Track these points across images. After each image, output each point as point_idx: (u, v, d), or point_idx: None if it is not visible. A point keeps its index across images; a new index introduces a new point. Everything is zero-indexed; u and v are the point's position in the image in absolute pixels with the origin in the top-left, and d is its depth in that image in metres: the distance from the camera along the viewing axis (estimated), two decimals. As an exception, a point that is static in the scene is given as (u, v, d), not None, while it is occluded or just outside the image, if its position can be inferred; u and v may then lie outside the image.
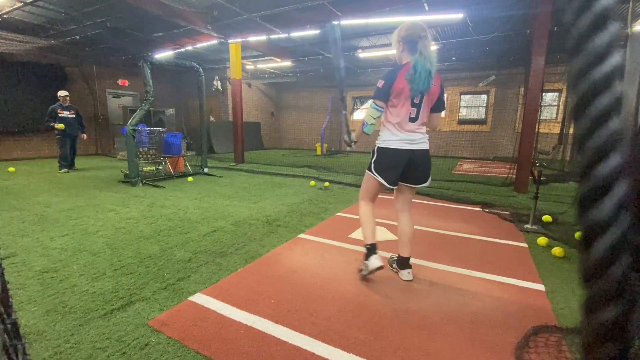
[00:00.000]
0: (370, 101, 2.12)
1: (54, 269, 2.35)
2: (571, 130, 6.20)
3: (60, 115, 6.80)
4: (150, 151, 6.41)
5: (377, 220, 3.63)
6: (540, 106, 5.52)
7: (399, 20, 6.29)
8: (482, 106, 12.07)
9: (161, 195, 4.80)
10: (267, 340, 1.61)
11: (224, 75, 12.62)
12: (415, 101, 2.03)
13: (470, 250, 2.83)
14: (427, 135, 2.16)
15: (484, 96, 11.96)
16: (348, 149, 2.37)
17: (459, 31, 7.64)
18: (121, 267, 2.40)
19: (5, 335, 0.35)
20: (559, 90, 10.23)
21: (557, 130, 8.50)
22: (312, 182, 5.81)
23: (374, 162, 2.16)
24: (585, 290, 0.29)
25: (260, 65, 11.98)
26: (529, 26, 6.33)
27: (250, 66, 12.05)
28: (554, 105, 10.79)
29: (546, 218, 3.57)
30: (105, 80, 11.20)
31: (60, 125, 6.74)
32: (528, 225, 3.37)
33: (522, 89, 6.75)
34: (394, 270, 2.39)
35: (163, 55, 9.26)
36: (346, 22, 6.47)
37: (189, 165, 7.08)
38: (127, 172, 5.74)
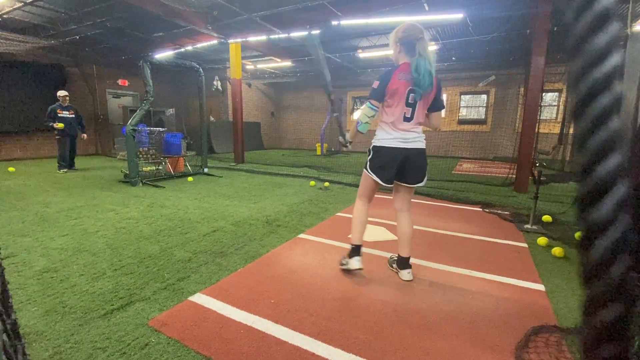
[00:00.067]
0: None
1: (53, 269, 2.35)
2: (571, 130, 6.20)
3: (59, 115, 6.80)
4: (150, 151, 6.41)
5: (377, 220, 3.64)
6: (540, 106, 5.52)
7: (399, 20, 6.29)
8: (482, 106, 12.07)
9: (161, 195, 4.80)
10: (267, 340, 1.61)
11: (224, 75, 12.62)
12: (410, 101, 2.05)
13: (470, 250, 2.83)
14: (422, 135, 2.16)
15: (484, 96, 11.96)
16: (344, 149, 2.43)
17: (459, 31, 7.64)
18: (121, 267, 2.40)
19: (5, 336, 0.35)
20: (559, 90, 10.23)
21: (557, 130, 8.50)
22: (312, 182, 5.81)
23: (369, 161, 2.20)
24: (585, 290, 0.29)
25: (260, 65, 11.98)
26: (529, 26, 6.33)
27: (250, 66, 12.05)
28: (554, 105, 10.79)
29: (546, 218, 3.57)
30: (105, 80, 11.20)
31: (60, 125, 6.74)
32: (528, 225, 3.37)
33: (522, 89, 6.76)
34: (394, 270, 2.39)
35: (163, 55, 9.25)
36: (346, 22, 6.47)
37: (189, 165, 7.08)
38: (127, 172, 5.74)
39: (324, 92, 2.49)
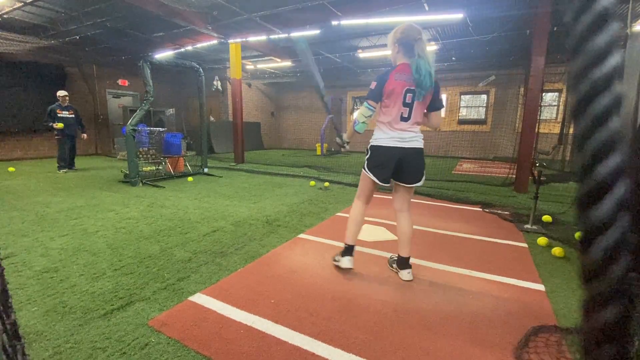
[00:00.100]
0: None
1: (53, 269, 2.35)
2: (571, 130, 6.20)
3: (59, 115, 6.79)
4: (150, 151, 6.41)
5: (377, 220, 3.64)
6: (540, 106, 5.52)
7: (399, 20, 6.28)
8: (482, 106, 12.07)
9: (161, 195, 4.80)
10: (267, 340, 1.61)
11: (224, 75, 12.63)
12: (407, 101, 2.07)
13: (470, 250, 2.83)
14: (420, 134, 2.17)
15: (484, 96, 11.96)
16: (343, 150, 2.48)
17: (459, 31, 7.64)
18: (121, 267, 2.40)
19: (5, 336, 0.35)
20: (559, 90, 10.23)
21: (557, 130, 8.50)
22: (312, 182, 5.81)
23: (367, 160, 2.23)
24: (585, 290, 0.29)
25: (260, 65, 11.98)
26: (529, 26, 6.33)
27: (250, 66, 12.05)
28: (554, 105, 10.79)
29: (546, 218, 3.57)
30: (105, 80, 11.20)
31: (60, 125, 6.73)
32: (528, 225, 3.37)
33: (522, 89, 6.76)
34: (394, 270, 2.39)
35: (163, 55, 9.25)
36: (346, 22, 6.47)
37: (189, 165, 7.08)
38: (127, 172, 5.74)
39: (325, 90, 2.49)
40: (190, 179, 6.29)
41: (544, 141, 8.22)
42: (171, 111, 11.36)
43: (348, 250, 2.35)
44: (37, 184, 5.52)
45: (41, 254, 2.62)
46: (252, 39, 7.87)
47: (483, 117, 12.01)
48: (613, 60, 0.27)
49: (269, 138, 15.69)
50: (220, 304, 1.92)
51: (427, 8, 6.04)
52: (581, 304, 0.30)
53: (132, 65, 10.73)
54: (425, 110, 2.17)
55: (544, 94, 6.61)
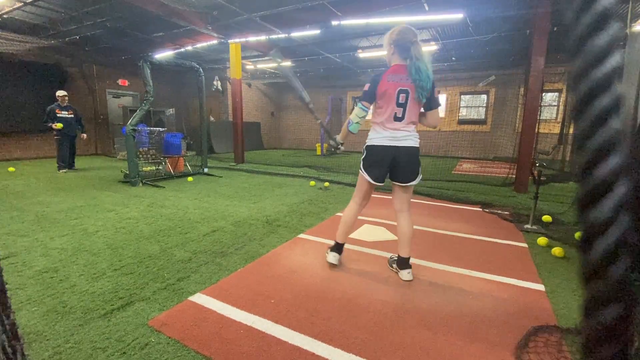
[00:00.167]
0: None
1: (53, 269, 2.35)
2: (571, 130, 6.20)
3: (58, 115, 6.78)
4: (150, 151, 6.41)
5: (377, 220, 3.64)
6: (540, 106, 5.52)
7: (399, 20, 6.29)
8: (482, 106, 12.08)
9: (161, 195, 4.80)
10: (267, 340, 1.61)
11: (224, 75, 12.63)
12: (400, 101, 2.09)
13: (470, 250, 2.83)
14: (414, 133, 2.18)
15: (484, 96, 11.96)
16: (338, 152, 2.58)
17: (459, 31, 7.64)
18: (121, 267, 2.40)
19: (4, 336, 0.35)
20: (559, 90, 10.23)
21: (557, 130, 8.50)
22: (312, 182, 5.81)
23: (362, 160, 2.27)
24: (585, 290, 0.29)
25: (260, 65, 11.99)
26: (529, 26, 6.33)
27: (250, 66, 12.05)
28: (554, 105, 10.79)
29: (546, 218, 3.57)
30: (105, 80, 11.20)
31: (59, 125, 6.72)
32: (528, 225, 3.37)
33: (522, 89, 6.75)
34: (394, 270, 2.39)
35: (163, 55, 9.25)
36: (346, 22, 6.47)
37: (189, 165, 7.08)
38: (127, 172, 5.74)
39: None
40: (190, 179, 6.29)
41: (544, 141, 8.22)
42: (171, 111, 11.36)
43: (336, 247, 2.45)
44: (37, 184, 5.52)
45: (41, 254, 2.62)
46: (252, 39, 7.87)
47: (483, 117, 12.01)
48: (613, 60, 0.27)
49: (269, 138, 15.69)
50: (220, 304, 1.92)
51: (427, 8, 6.04)
52: (581, 304, 0.30)
53: (132, 65, 10.74)
54: (423, 110, 2.18)
55: (544, 94, 6.61)
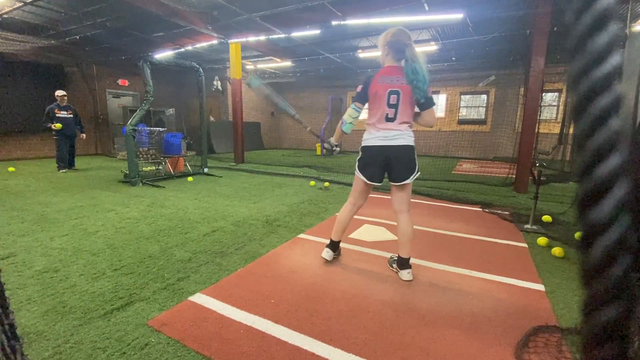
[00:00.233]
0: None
1: (53, 269, 2.35)
2: (571, 130, 6.19)
3: (57, 115, 6.77)
4: (150, 151, 6.41)
5: (377, 220, 3.64)
6: (540, 106, 5.52)
7: (399, 20, 6.29)
8: (482, 106, 12.07)
9: (161, 195, 4.80)
10: (267, 340, 1.61)
11: (224, 75, 12.62)
12: (391, 102, 2.13)
13: (470, 250, 2.83)
14: (407, 132, 2.19)
15: (484, 96, 11.96)
16: (335, 153, 2.68)
17: (459, 31, 7.64)
18: (121, 267, 2.40)
19: (3, 336, 0.35)
20: (559, 90, 10.24)
21: (557, 130, 8.50)
22: (312, 182, 5.81)
23: (357, 161, 2.33)
24: (585, 290, 0.29)
25: (260, 65, 11.99)
26: (529, 26, 6.33)
27: (250, 66, 12.05)
28: (554, 105, 10.79)
29: (546, 218, 3.57)
30: (105, 80, 11.19)
31: (58, 125, 6.71)
32: (528, 225, 3.37)
33: (522, 89, 6.76)
34: (394, 270, 2.39)
35: (163, 55, 9.26)
36: (347, 22, 6.46)
37: (189, 165, 7.08)
38: (127, 172, 5.74)
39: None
40: (190, 179, 6.29)
41: (544, 141, 8.22)
42: (171, 111, 11.36)
43: (331, 245, 2.52)
44: (37, 184, 5.52)
45: (41, 254, 2.62)
46: (252, 39, 7.87)
47: (483, 117, 12.01)
48: (613, 60, 0.27)
49: (269, 138, 15.69)
50: (220, 304, 1.92)
51: (427, 8, 6.04)
52: (581, 304, 0.30)
53: (132, 65, 10.72)
54: (418, 110, 2.20)
55: (544, 94, 6.61)
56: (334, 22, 6.45)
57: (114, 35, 8.30)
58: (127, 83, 11.81)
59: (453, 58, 10.10)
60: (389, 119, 2.16)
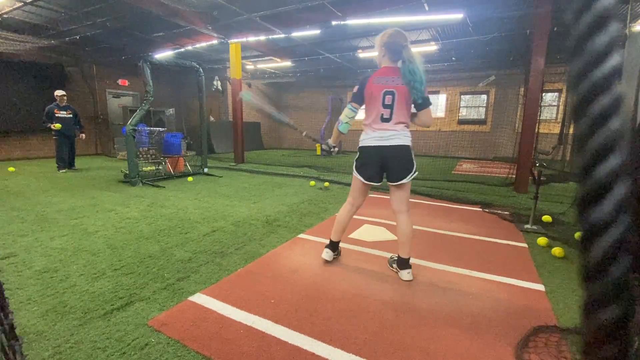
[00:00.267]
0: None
1: (53, 268, 2.35)
2: (571, 130, 6.19)
3: (57, 115, 6.76)
4: (150, 151, 6.41)
5: (377, 220, 3.64)
6: (540, 106, 5.51)
7: (399, 20, 6.29)
8: (482, 106, 12.07)
9: (161, 195, 4.80)
10: (267, 340, 1.61)
11: (224, 75, 12.62)
12: (386, 102, 2.14)
13: (470, 250, 2.83)
14: (403, 132, 2.19)
15: (484, 96, 11.96)
16: (333, 154, 2.74)
17: (459, 31, 7.64)
18: (121, 267, 2.40)
19: (3, 336, 0.35)
20: (559, 90, 10.23)
21: (557, 130, 8.49)
22: (312, 182, 5.81)
23: (355, 161, 2.35)
24: (585, 290, 0.29)
25: (260, 65, 11.98)
26: (529, 26, 6.33)
27: (250, 66, 12.05)
28: (554, 105, 10.79)
29: (546, 218, 3.57)
30: (105, 80, 11.19)
31: (57, 126, 6.70)
32: (528, 225, 3.37)
33: (522, 89, 6.76)
34: (394, 270, 2.39)
35: (163, 55, 9.26)
36: (347, 22, 6.46)
37: (189, 165, 7.08)
38: (127, 172, 5.74)
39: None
40: (190, 179, 6.29)
41: (544, 141, 8.21)
42: (171, 111, 11.35)
43: (330, 245, 2.53)
44: (37, 184, 5.52)
45: (41, 254, 2.62)
46: (252, 39, 7.87)
47: (483, 117, 12.01)
48: (613, 60, 0.27)
49: (269, 138, 15.69)
50: (220, 304, 1.92)
51: (427, 8, 6.04)
52: (581, 304, 0.30)
53: (132, 65, 10.73)
54: (415, 110, 2.21)
55: (544, 94, 6.61)
56: (334, 22, 6.45)
57: (114, 35, 8.30)
58: (127, 83, 11.81)
59: (453, 58, 10.09)
60: (384, 119, 2.18)
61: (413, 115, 2.23)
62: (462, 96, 12.28)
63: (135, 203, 4.31)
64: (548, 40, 4.94)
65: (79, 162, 7.87)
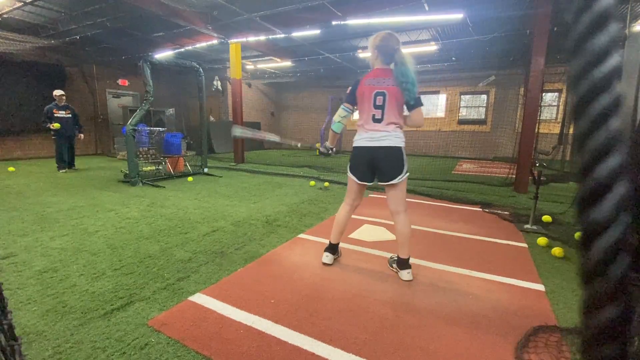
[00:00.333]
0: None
1: (53, 268, 2.35)
2: (571, 130, 6.18)
3: (56, 115, 6.75)
4: (150, 151, 6.41)
5: (377, 220, 3.64)
6: (540, 106, 5.52)
7: (399, 20, 6.29)
8: (482, 106, 12.07)
9: (161, 195, 4.80)
10: (267, 340, 1.61)
11: (224, 75, 12.62)
12: (377, 103, 2.17)
13: (470, 250, 2.83)
14: (394, 133, 2.20)
15: (484, 96, 11.96)
16: (331, 155, 2.80)
17: (459, 31, 7.63)
18: (121, 267, 2.40)
19: (2, 336, 0.35)
20: (559, 90, 10.23)
21: (557, 130, 8.49)
22: (312, 182, 5.81)
23: (349, 161, 2.39)
24: (585, 290, 0.29)
25: (260, 65, 11.98)
26: (529, 26, 6.33)
27: (250, 66, 12.05)
28: (554, 105, 10.79)
29: (546, 218, 3.57)
30: (105, 80, 11.19)
31: (56, 125, 6.69)
32: (528, 225, 3.37)
33: (522, 89, 6.76)
34: (394, 270, 2.39)
35: (163, 55, 9.25)
36: (347, 22, 6.46)
37: (189, 165, 7.08)
38: (127, 172, 5.74)
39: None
40: (190, 178, 6.29)
41: (544, 141, 8.21)
42: (171, 111, 11.36)
43: (330, 248, 2.52)
44: (37, 184, 5.52)
45: (41, 253, 2.62)
46: (252, 39, 7.87)
47: (483, 117, 12.01)
48: (613, 60, 0.27)
49: (269, 138, 15.66)
50: (220, 304, 1.92)
51: (427, 8, 6.04)
52: (581, 304, 0.30)
53: (132, 65, 10.73)
54: (407, 111, 2.21)
55: (544, 94, 6.61)
56: (334, 22, 6.45)
57: (114, 35, 8.30)
58: (127, 83, 11.81)
59: (453, 58, 10.09)
60: (376, 120, 2.20)
61: (405, 116, 2.24)
62: (462, 96, 12.28)
63: (135, 203, 4.31)
64: (548, 40, 4.94)
65: (79, 162, 7.87)
